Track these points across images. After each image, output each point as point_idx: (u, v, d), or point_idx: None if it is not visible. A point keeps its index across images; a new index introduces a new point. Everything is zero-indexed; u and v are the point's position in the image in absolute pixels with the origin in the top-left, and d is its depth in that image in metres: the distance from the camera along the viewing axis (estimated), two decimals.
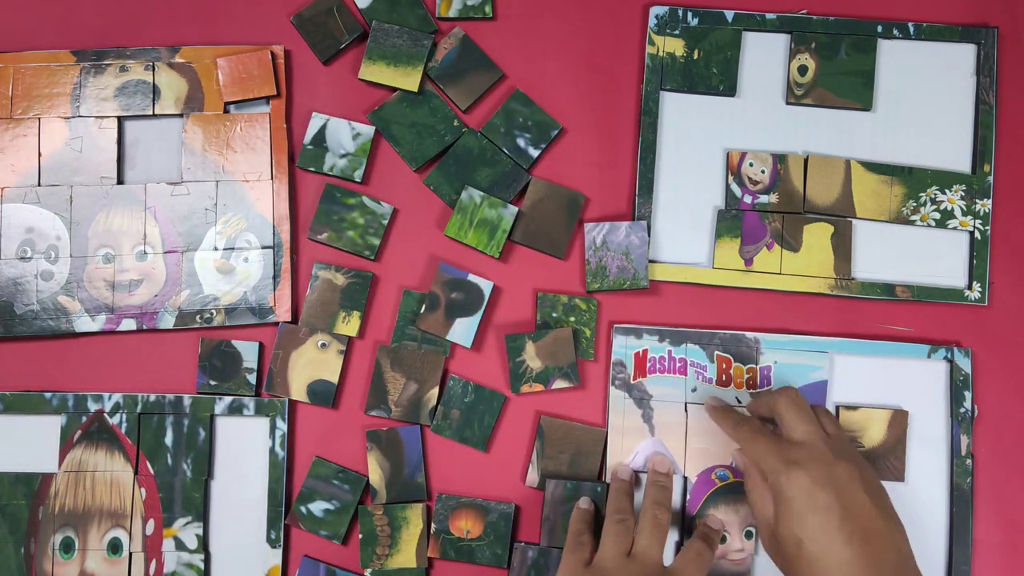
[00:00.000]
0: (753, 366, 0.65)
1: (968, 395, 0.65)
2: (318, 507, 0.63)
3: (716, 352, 0.65)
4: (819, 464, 0.54)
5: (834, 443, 0.56)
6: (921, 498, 0.64)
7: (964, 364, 0.65)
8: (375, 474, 0.63)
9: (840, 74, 0.67)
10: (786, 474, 0.54)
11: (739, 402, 0.64)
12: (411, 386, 0.64)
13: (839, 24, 0.67)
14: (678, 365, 0.65)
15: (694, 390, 0.64)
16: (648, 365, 0.65)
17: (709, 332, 0.65)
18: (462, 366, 0.65)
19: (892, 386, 0.65)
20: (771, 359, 0.65)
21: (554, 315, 0.65)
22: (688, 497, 0.63)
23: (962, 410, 0.64)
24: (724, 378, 0.65)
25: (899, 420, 0.64)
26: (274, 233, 0.65)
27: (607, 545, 0.57)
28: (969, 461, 0.64)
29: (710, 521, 0.62)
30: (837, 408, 0.64)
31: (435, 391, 0.64)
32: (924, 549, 0.63)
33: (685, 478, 0.64)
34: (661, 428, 0.64)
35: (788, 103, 0.68)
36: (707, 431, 0.64)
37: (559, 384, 0.64)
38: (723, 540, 0.63)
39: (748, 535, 0.63)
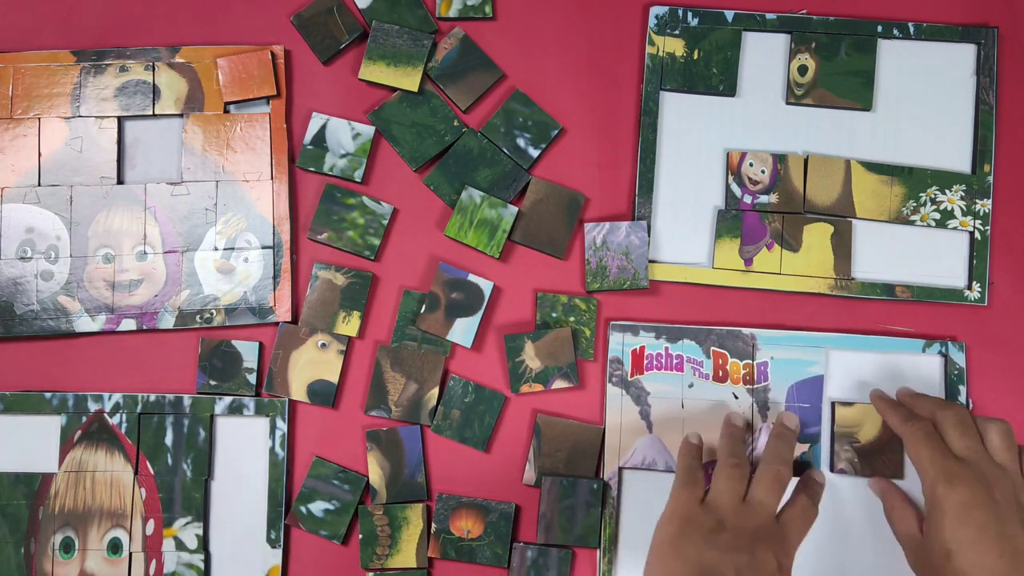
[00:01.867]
0: (749, 362, 0.65)
1: (963, 389, 0.65)
2: (318, 507, 0.63)
3: (712, 348, 0.65)
4: (980, 482, 0.54)
5: (997, 467, 0.56)
6: (917, 494, 0.64)
7: (959, 359, 0.65)
8: (375, 474, 0.63)
9: (840, 74, 0.67)
10: (945, 485, 0.54)
11: (736, 397, 0.64)
12: (411, 386, 0.64)
13: (839, 24, 0.67)
14: (675, 362, 0.65)
15: (691, 386, 0.65)
16: (645, 362, 0.65)
17: (705, 328, 0.65)
18: (462, 366, 0.65)
19: (887, 381, 0.65)
20: (767, 355, 0.65)
21: (554, 315, 0.65)
22: None
23: None
24: (721, 374, 0.65)
25: None
26: (274, 233, 0.65)
27: (723, 487, 0.57)
28: None
29: (815, 475, 0.61)
30: (833, 404, 0.65)
31: (435, 391, 0.64)
32: None
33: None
34: (659, 425, 0.64)
35: (788, 103, 0.68)
36: (705, 427, 0.64)
37: (559, 384, 0.64)
38: None
39: None
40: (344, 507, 0.63)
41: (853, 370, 0.65)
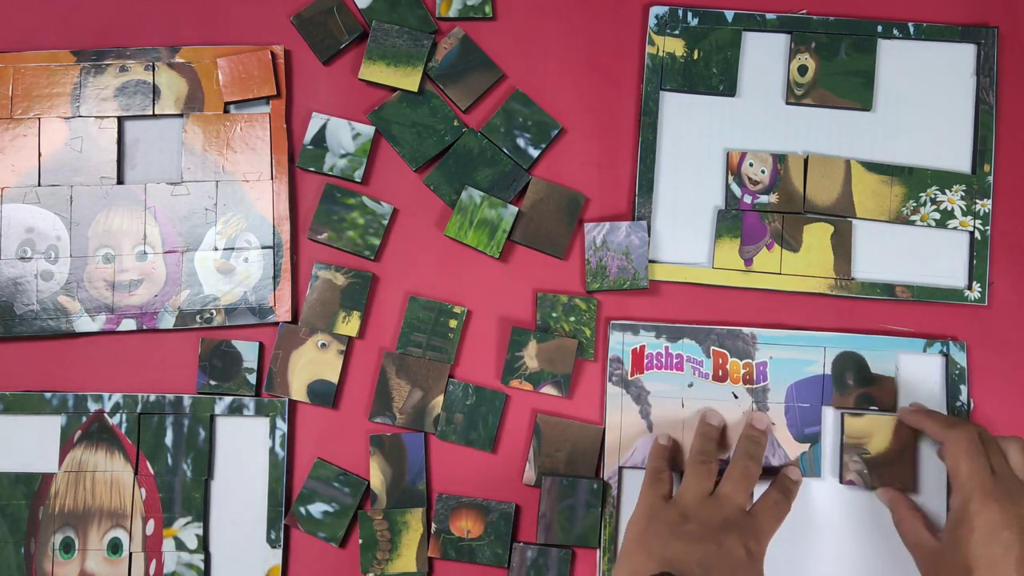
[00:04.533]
0: (749, 361, 0.65)
1: (964, 388, 0.65)
2: (317, 509, 0.63)
3: (712, 348, 0.65)
4: (1009, 503, 0.54)
5: (1019, 481, 0.56)
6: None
7: (960, 358, 0.65)
8: (376, 479, 0.63)
9: (840, 74, 0.67)
10: (980, 503, 0.55)
11: (735, 396, 0.64)
12: (416, 393, 0.64)
13: (839, 24, 0.67)
14: (675, 361, 0.65)
15: (691, 386, 0.65)
16: (645, 361, 0.65)
17: (705, 328, 0.65)
18: (464, 368, 0.65)
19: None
20: (767, 354, 0.65)
21: (554, 315, 0.65)
22: None
23: (958, 404, 0.65)
24: (720, 374, 0.65)
25: (905, 427, 0.64)
26: (274, 233, 0.65)
27: (689, 482, 0.58)
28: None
29: (790, 472, 0.62)
30: (842, 415, 0.64)
31: (440, 399, 0.64)
32: None
33: (682, 473, 0.64)
34: (659, 424, 0.64)
35: (788, 103, 0.67)
36: None
37: (548, 390, 0.64)
38: None
39: None
40: (343, 510, 0.63)
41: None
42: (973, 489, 0.55)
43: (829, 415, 0.65)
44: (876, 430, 0.64)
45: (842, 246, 0.66)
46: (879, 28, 0.67)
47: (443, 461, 0.64)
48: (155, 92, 0.66)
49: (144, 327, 0.64)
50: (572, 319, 0.65)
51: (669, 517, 0.56)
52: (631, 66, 0.68)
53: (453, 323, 0.65)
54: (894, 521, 0.62)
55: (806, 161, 0.67)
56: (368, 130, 0.66)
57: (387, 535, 0.63)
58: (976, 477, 0.55)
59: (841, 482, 0.64)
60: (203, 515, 0.63)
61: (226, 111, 0.66)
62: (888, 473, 0.64)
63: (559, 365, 0.64)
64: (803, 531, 0.64)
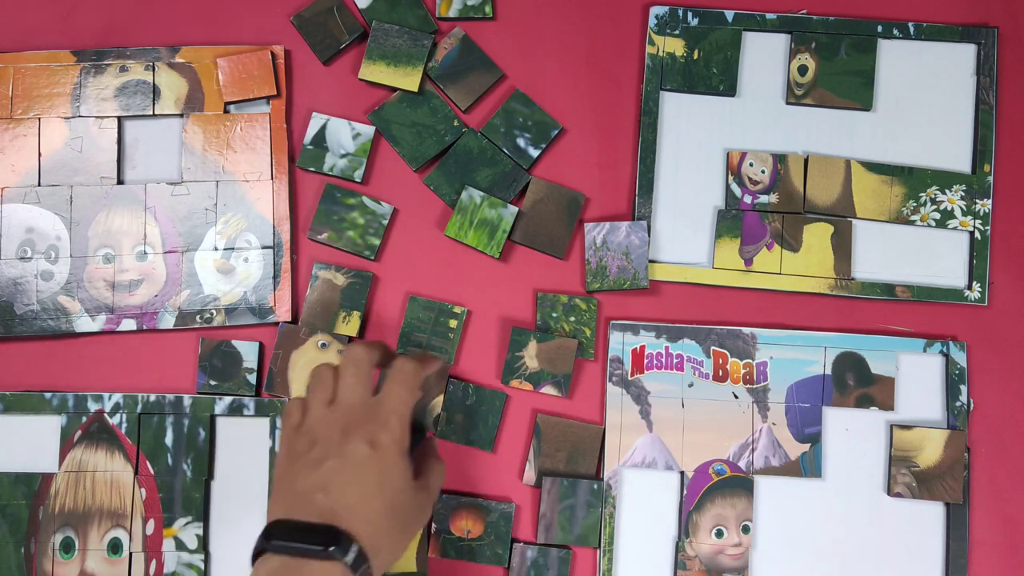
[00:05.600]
0: (750, 361, 0.65)
1: (964, 388, 0.65)
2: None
3: (713, 347, 0.65)
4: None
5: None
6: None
7: (960, 358, 0.65)
8: None
9: (840, 74, 0.67)
10: None
11: (735, 396, 0.64)
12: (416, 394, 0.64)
13: (839, 24, 0.67)
14: (675, 361, 0.65)
15: (691, 386, 0.65)
16: (645, 361, 0.65)
17: (705, 328, 0.65)
18: (464, 368, 0.65)
19: None
20: (767, 354, 0.65)
21: (554, 315, 0.65)
22: (685, 492, 0.63)
23: (958, 404, 0.65)
24: (721, 373, 0.65)
25: (956, 440, 0.64)
26: (274, 233, 0.65)
27: (309, 400, 0.53)
28: (965, 455, 0.64)
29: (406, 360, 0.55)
30: (891, 427, 0.64)
31: (440, 399, 0.64)
32: (921, 545, 0.64)
33: (682, 473, 0.64)
34: (659, 424, 0.64)
35: (788, 103, 0.67)
36: (705, 427, 0.64)
37: (548, 390, 0.64)
38: (720, 535, 0.63)
39: (745, 529, 0.63)
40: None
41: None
42: None
43: (830, 415, 0.65)
44: (925, 443, 0.64)
45: (842, 246, 0.66)
46: (879, 28, 0.67)
47: (446, 460, 0.64)
48: (155, 92, 0.66)
49: (144, 327, 0.64)
50: (572, 319, 0.65)
51: (302, 447, 0.51)
52: (631, 66, 0.68)
53: (453, 323, 0.65)
54: None
55: (806, 161, 0.67)
56: (368, 130, 0.66)
57: None
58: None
59: (889, 494, 0.64)
60: (203, 515, 0.63)
61: (226, 111, 0.66)
62: (937, 486, 0.63)
63: (559, 365, 0.64)
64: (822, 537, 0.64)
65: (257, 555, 0.48)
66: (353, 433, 0.50)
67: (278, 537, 0.47)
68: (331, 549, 0.46)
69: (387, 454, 0.50)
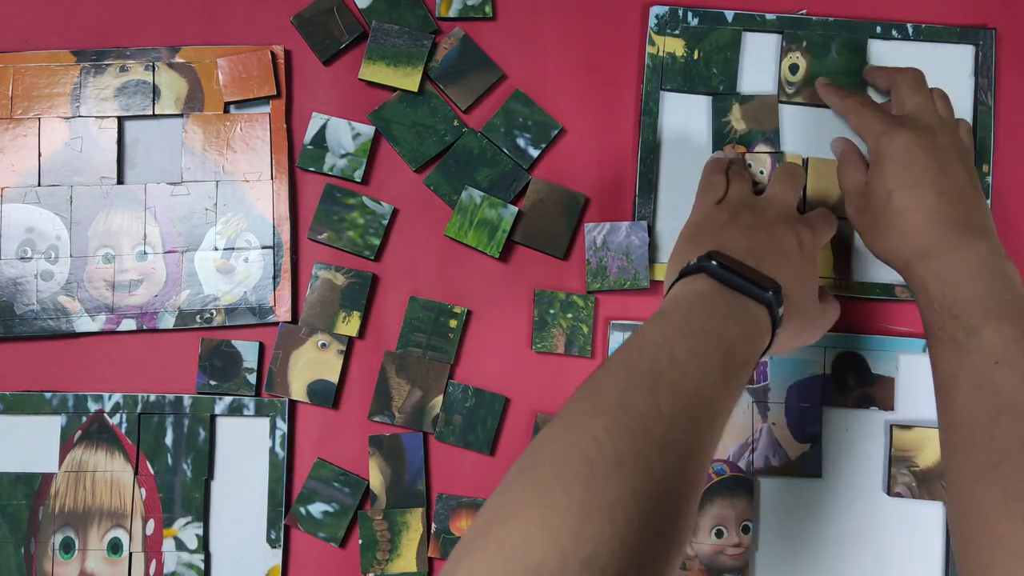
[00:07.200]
0: None
1: None
2: (317, 509, 0.63)
3: None
4: (923, 131, 0.58)
5: (941, 119, 0.60)
6: None
7: None
8: (376, 479, 0.63)
9: (831, 73, 0.67)
10: (889, 135, 0.58)
11: None
12: (416, 393, 0.64)
13: (839, 25, 0.67)
14: None
15: None
16: None
17: None
18: (466, 372, 0.65)
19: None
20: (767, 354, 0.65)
21: (551, 312, 0.65)
22: None
23: None
24: None
25: None
26: (274, 233, 0.65)
27: (734, 188, 0.59)
28: None
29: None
30: (891, 427, 0.64)
31: (439, 399, 0.64)
32: (921, 545, 0.64)
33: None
34: None
35: (780, 101, 0.67)
36: None
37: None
38: (720, 535, 0.63)
39: (745, 530, 0.63)
40: (343, 510, 0.63)
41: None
42: (881, 128, 0.58)
43: (830, 415, 0.65)
44: (925, 443, 0.64)
45: (842, 246, 0.66)
46: (878, 29, 0.68)
47: (442, 461, 0.64)
48: (155, 92, 0.66)
49: (144, 327, 0.64)
50: (569, 315, 0.65)
51: (719, 217, 0.55)
52: (631, 66, 0.68)
53: (453, 323, 0.65)
54: (838, 168, 0.64)
55: (805, 162, 0.67)
56: (368, 130, 0.66)
57: (387, 535, 0.63)
58: (880, 118, 0.59)
59: (889, 494, 0.64)
60: (203, 515, 0.63)
61: (226, 111, 0.66)
62: (937, 486, 0.63)
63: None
64: (828, 539, 0.64)
65: (684, 274, 0.49)
66: (783, 224, 0.53)
67: (721, 266, 0.48)
68: (770, 293, 0.48)
69: (807, 257, 0.53)
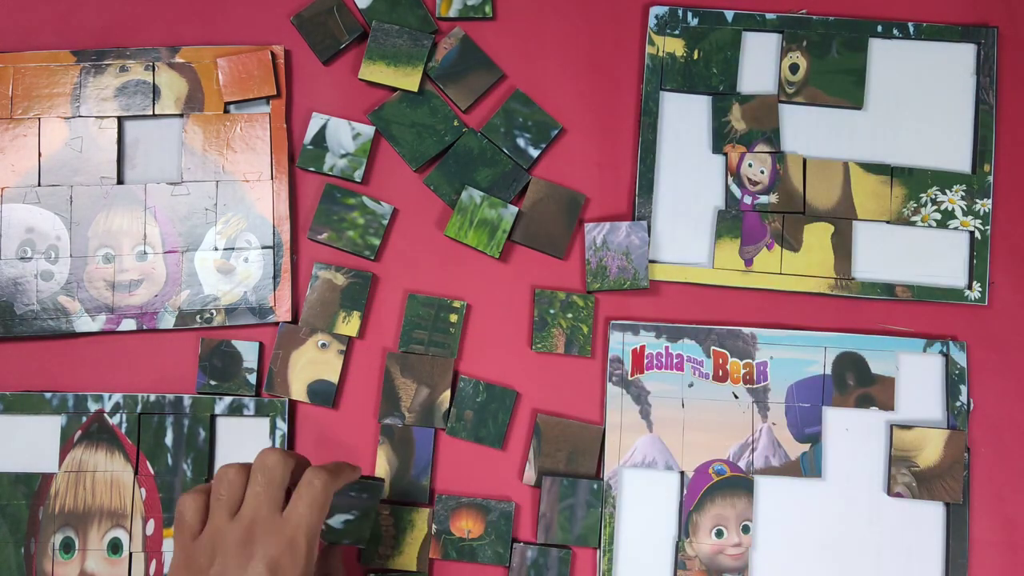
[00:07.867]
0: (750, 361, 0.65)
1: (964, 388, 0.65)
2: (337, 520, 0.60)
3: (713, 347, 0.65)
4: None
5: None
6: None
7: (960, 358, 0.65)
8: (382, 469, 0.63)
9: (831, 72, 0.67)
10: None
11: (735, 396, 0.64)
12: (423, 391, 0.64)
13: (839, 24, 0.67)
14: (675, 361, 0.65)
15: (691, 386, 0.65)
16: (645, 361, 0.65)
17: (706, 328, 0.65)
18: (472, 366, 0.65)
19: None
20: (767, 354, 0.65)
21: (551, 311, 0.65)
22: (685, 492, 0.63)
23: (958, 404, 0.65)
24: (721, 373, 0.65)
25: (956, 440, 0.64)
26: (274, 233, 0.65)
27: (213, 515, 0.50)
28: (966, 455, 0.64)
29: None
30: (891, 427, 0.64)
31: (447, 394, 0.64)
32: (921, 545, 0.64)
33: (682, 473, 0.64)
34: (659, 424, 0.64)
35: (780, 101, 0.67)
36: (705, 427, 0.64)
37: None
38: (720, 535, 0.63)
39: (745, 529, 0.63)
40: (364, 514, 0.60)
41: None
42: None
43: (830, 415, 0.65)
44: (925, 443, 0.64)
45: (842, 246, 0.66)
46: (879, 28, 0.67)
47: (450, 457, 0.64)
48: (155, 92, 0.66)
49: (144, 327, 0.64)
50: (569, 315, 0.65)
51: (202, 562, 0.49)
52: (631, 66, 0.68)
53: (453, 317, 0.65)
54: None
55: (805, 162, 0.67)
56: (368, 130, 0.66)
57: (392, 531, 0.63)
58: None
59: (889, 494, 0.64)
60: None
61: (226, 111, 0.66)
62: (937, 486, 0.63)
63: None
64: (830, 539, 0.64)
65: None
66: (255, 554, 0.48)
67: None
68: None
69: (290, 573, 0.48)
